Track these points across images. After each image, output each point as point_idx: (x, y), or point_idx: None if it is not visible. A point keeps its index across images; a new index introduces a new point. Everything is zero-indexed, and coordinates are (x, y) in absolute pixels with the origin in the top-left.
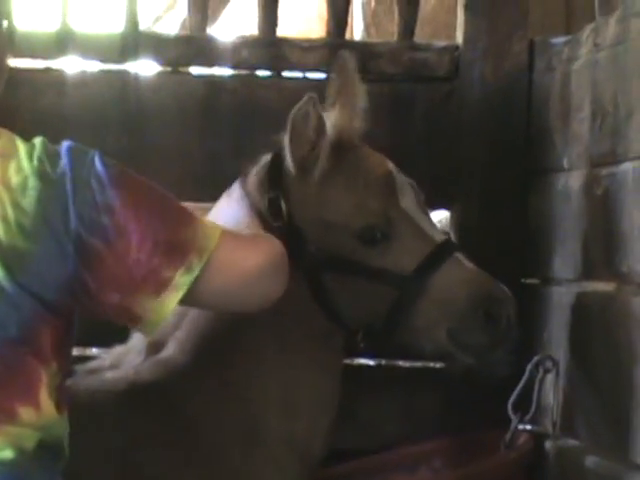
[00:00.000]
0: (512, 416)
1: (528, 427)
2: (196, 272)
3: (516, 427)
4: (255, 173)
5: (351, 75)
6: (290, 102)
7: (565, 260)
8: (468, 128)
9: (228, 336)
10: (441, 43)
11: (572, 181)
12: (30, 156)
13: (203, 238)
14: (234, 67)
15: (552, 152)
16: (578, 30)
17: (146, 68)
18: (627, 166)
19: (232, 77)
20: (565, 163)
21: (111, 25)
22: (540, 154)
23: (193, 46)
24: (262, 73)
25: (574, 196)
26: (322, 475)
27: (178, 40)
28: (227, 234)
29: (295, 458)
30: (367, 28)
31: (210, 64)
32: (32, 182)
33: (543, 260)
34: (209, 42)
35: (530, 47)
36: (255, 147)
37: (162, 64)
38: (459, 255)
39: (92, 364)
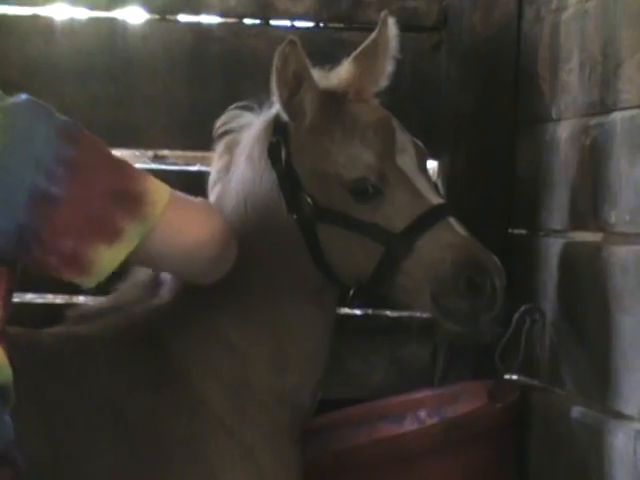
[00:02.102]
0: (498, 366)
1: (514, 377)
2: (150, 223)
3: (502, 377)
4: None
5: (388, 40)
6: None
7: (552, 210)
8: (456, 77)
9: (221, 287)
10: None
11: (560, 131)
12: None
13: (156, 193)
14: (222, 15)
15: (540, 102)
16: None
17: (134, 16)
18: (615, 116)
19: (220, 25)
20: (553, 113)
21: None
22: (528, 104)
23: None
24: (250, 21)
25: (562, 146)
26: (309, 425)
27: None
28: (176, 195)
29: (286, 411)
30: None
31: (198, 12)
32: None
33: (530, 210)
34: None
35: None
36: (242, 95)
37: (150, 12)
38: (452, 220)
39: (84, 309)
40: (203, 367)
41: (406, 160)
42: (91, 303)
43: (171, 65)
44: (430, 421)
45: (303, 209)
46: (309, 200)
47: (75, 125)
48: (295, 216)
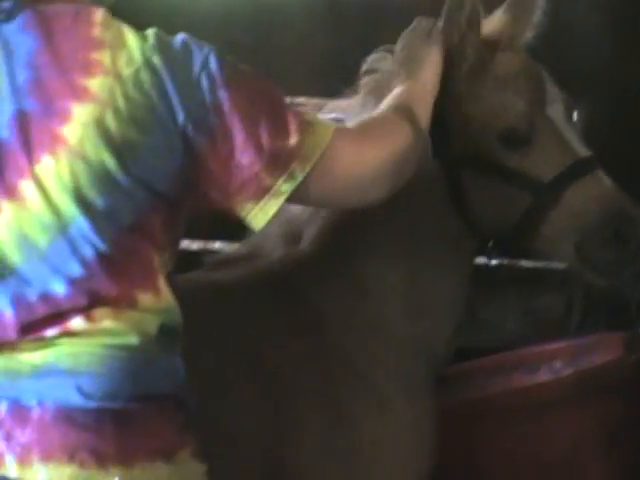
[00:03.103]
0: (634, 318)
1: None
2: (299, 180)
3: (638, 330)
4: None
5: None
6: (418, 3)
7: None
8: (596, 24)
9: (359, 232)
10: None
11: None
12: (141, 48)
13: (309, 146)
14: None
15: None
16: None
17: None
18: None
19: None
20: None
21: None
22: None
23: None
24: None
25: None
26: (443, 373)
27: None
28: (341, 137)
29: (421, 359)
30: None
31: None
32: (143, 74)
33: None
34: None
35: None
36: (381, 41)
37: None
38: (600, 173)
39: (222, 256)
40: (340, 316)
41: (555, 111)
42: (227, 250)
43: (310, 13)
44: (565, 372)
45: (450, 157)
46: (456, 146)
47: (235, 69)
48: (440, 162)
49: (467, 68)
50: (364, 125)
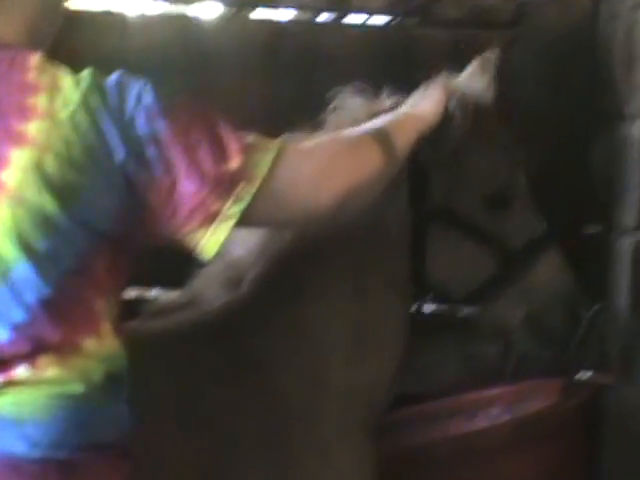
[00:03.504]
0: (571, 364)
1: (587, 375)
2: (246, 201)
3: (575, 375)
4: None
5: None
6: (352, 48)
7: (627, 208)
8: (532, 74)
9: (304, 276)
10: None
11: (635, 130)
12: (77, 89)
13: (253, 166)
14: (298, 9)
15: (615, 100)
16: None
17: (208, 11)
18: None
19: (294, 22)
20: (628, 111)
21: None
22: (603, 102)
23: None
24: (324, 17)
25: (636, 144)
26: (382, 420)
27: None
28: (292, 156)
29: (362, 405)
30: None
31: (274, 6)
32: (79, 116)
33: (605, 208)
34: None
35: None
36: (317, 91)
37: (227, 5)
38: (556, 246)
39: (160, 304)
40: (282, 360)
41: (522, 174)
42: (165, 297)
43: (244, 61)
44: (502, 418)
45: (424, 205)
46: (433, 200)
47: (170, 100)
48: (413, 210)
49: (461, 136)
50: (326, 143)
